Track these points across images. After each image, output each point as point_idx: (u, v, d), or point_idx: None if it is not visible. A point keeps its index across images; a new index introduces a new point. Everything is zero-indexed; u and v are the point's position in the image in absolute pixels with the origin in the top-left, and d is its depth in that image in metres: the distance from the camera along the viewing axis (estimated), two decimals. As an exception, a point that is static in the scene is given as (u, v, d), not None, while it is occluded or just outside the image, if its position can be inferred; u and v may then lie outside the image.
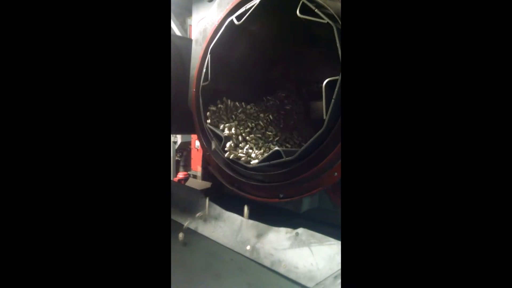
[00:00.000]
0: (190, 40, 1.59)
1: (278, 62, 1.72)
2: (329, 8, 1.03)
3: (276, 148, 1.19)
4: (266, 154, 1.22)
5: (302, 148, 1.09)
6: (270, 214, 1.34)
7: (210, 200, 1.53)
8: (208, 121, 1.38)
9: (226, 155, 1.30)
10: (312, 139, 1.07)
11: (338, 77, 0.98)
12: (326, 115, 1.02)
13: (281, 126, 1.59)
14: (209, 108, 1.41)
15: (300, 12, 1.05)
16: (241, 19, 1.22)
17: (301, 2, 1.05)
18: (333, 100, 1.00)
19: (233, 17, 1.25)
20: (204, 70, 1.36)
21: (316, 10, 1.03)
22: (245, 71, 1.57)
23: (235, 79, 1.53)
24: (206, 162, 1.69)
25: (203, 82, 1.37)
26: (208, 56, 1.33)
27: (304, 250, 1.12)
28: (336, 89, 0.99)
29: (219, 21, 1.33)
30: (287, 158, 1.12)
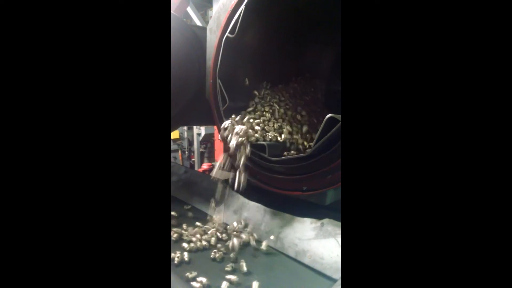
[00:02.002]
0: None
1: (309, 44, 1.65)
2: None
3: (262, 142, 1.23)
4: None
5: (280, 158, 1.14)
6: (294, 205, 1.31)
7: (234, 190, 1.53)
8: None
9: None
10: (289, 157, 1.13)
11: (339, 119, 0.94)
12: (314, 144, 1.02)
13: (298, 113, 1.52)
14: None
15: None
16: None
17: None
18: (326, 136, 0.99)
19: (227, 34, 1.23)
20: (234, 20, 1.26)
21: None
22: (270, 50, 1.52)
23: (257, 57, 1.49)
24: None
25: (229, 33, 1.28)
26: (243, 6, 1.22)
27: (330, 241, 1.08)
28: (335, 128, 0.96)
29: (232, 6, 1.28)
30: (265, 155, 1.18)
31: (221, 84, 1.34)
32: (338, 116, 0.96)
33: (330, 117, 0.98)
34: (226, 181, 1.67)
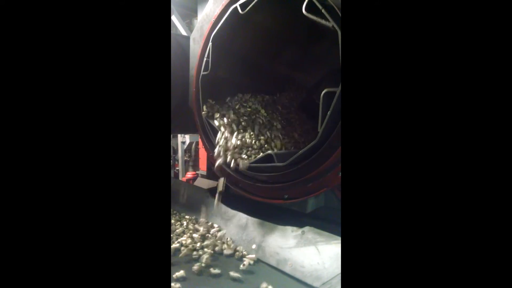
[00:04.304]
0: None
1: (284, 56, 1.68)
2: (337, 8, 0.96)
3: (269, 151, 1.19)
4: (258, 156, 1.22)
5: (294, 156, 1.09)
6: (276, 213, 1.32)
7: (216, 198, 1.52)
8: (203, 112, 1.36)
9: (228, 159, 1.27)
10: (304, 149, 1.07)
11: (337, 89, 0.94)
12: (320, 127, 1.01)
13: (284, 124, 1.55)
14: (207, 101, 1.39)
15: (306, 9, 1.00)
16: (246, 8, 1.17)
17: None
18: (329, 113, 0.98)
19: (237, 5, 1.20)
20: (205, 59, 1.33)
21: (322, 11, 0.96)
22: (248, 64, 1.53)
23: (237, 71, 1.51)
24: (210, 162, 1.68)
25: (204, 71, 1.34)
26: (210, 44, 1.29)
27: (311, 249, 1.09)
28: (334, 101, 0.96)
29: (215, 17, 1.31)
30: (277, 164, 1.13)
31: (211, 48, 1.32)
32: (333, 90, 0.97)
33: (326, 93, 0.98)
34: (209, 190, 1.66)
